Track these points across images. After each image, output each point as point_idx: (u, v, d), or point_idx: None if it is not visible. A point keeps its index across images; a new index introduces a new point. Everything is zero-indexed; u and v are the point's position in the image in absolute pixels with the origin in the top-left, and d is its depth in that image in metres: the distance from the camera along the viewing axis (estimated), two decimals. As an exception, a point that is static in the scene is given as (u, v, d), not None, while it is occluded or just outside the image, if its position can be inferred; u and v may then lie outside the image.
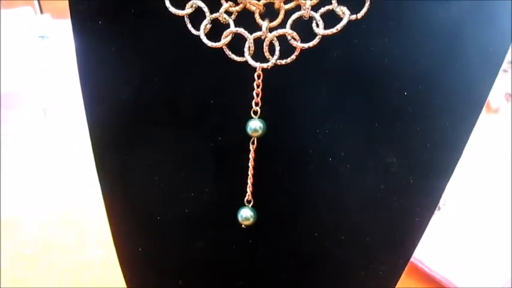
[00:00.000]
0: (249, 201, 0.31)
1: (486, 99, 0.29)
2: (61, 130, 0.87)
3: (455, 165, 0.29)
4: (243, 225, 0.31)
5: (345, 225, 0.31)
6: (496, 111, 1.05)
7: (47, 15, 1.25)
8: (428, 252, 0.56)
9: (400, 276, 0.32)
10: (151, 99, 0.31)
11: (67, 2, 0.32)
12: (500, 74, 0.29)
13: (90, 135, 0.33)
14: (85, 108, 0.33)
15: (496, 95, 1.01)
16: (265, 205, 0.31)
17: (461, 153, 0.29)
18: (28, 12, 0.90)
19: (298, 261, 0.33)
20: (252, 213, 0.31)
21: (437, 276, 0.55)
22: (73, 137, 0.83)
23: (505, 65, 1.07)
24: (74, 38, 0.32)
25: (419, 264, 0.56)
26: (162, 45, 0.31)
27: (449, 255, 0.57)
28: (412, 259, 0.32)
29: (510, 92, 1.09)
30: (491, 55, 0.28)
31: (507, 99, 1.12)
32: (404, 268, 0.32)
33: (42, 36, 1.13)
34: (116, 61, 0.32)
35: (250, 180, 0.31)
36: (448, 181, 0.30)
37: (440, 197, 0.30)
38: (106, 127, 0.33)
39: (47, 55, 1.04)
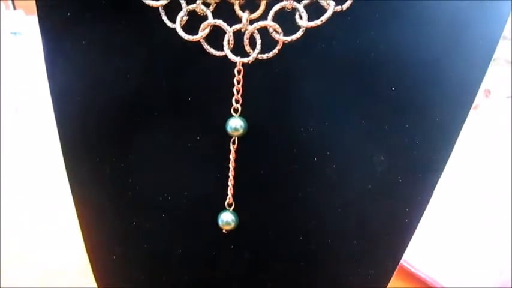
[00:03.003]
0: (230, 205, 0.30)
1: (476, 94, 0.28)
2: (33, 128, 0.84)
3: (445, 163, 0.28)
4: (224, 230, 0.30)
5: (332, 227, 0.30)
6: (476, 108, 1.06)
7: (20, 11, 1.22)
8: (413, 251, 0.56)
9: (390, 279, 0.31)
10: (124, 97, 0.30)
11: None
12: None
13: (59, 135, 0.31)
14: (53, 107, 0.31)
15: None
16: (248, 208, 0.30)
17: (451, 150, 0.28)
18: (0, 8, 0.87)
19: (283, 266, 0.31)
20: (233, 217, 0.29)
21: (422, 275, 0.54)
22: (45, 135, 0.80)
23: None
24: (41, 31, 0.30)
25: (404, 264, 0.55)
26: (135, 39, 0.29)
27: (434, 254, 0.57)
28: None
29: (489, 88, 1.10)
30: (481, 49, 0.27)
31: (486, 96, 1.13)
32: (394, 271, 0.31)
33: (15, 33, 1.10)
34: (86, 56, 0.30)
35: (231, 182, 0.29)
36: (438, 180, 0.29)
37: (430, 196, 0.29)
38: (75, 127, 0.31)
39: (19, 52, 1.01)
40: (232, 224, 0.29)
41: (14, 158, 0.77)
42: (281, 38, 0.27)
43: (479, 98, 1.10)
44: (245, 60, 0.27)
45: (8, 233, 0.60)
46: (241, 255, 0.31)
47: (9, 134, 0.83)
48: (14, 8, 1.38)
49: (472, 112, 0.28)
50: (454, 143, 0.28)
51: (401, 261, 0.55)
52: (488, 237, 0.59)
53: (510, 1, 0.28)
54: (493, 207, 0.65)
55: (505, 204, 0.66)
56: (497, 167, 0.77)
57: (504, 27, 0.27)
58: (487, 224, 0.62)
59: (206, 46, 0.27)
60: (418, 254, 0.56)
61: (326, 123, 0.28)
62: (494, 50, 0.27)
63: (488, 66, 0.27)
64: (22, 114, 0.90)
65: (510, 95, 1.12)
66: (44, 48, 0.30)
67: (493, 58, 0.28)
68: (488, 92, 1.10)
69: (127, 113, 0.30)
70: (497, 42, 0.27)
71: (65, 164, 0.32)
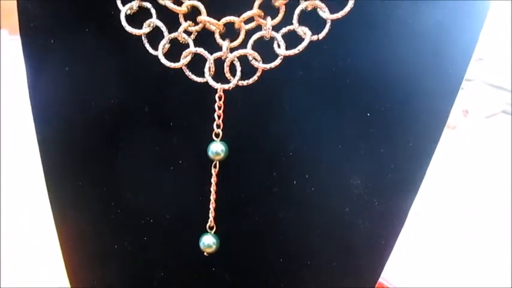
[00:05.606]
0: (211, 228, 0.30)
1: (448, 117, 0.29)
2: (15, 149, 0.83)
3: (419, 185, 0.29)
4: (205, 253, 0.30)
5: (311, 249, 0.30)
6: (454, 127, 1.09)
7: (4, 31, 1.21)
8: (391, 269, 0.57)
9: (367, 299, 0.31)
10: (108, 122, 0.30)
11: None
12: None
13: (41, 157, 0.32)
14: (35, 129, 0.31)
15: (453, 112, 1.04)
16: (229, 231, 0.30)
17: (425, 172, 0.29)
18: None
19: (264, 288, 0.32)
20: (214, 240, 0.30)
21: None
22: (27, 155, 0.79)
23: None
24: (24, 57, 0.31)
25: (383, 281, 0.56)
26: (119, 66, 0.30)
27: (411, 272, 0.58)
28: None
29: (467, 108, 1.13)
30: (451, 74, 0.28)
31: (464, 116, 1.16)
32: (372, 291, 0.31)
33: (-1, 53, 1.09)
34: (70, 82, 0.30)
35: (212, 206, 0.30)
36: (412, 201, 0.29)
37: (405, 218, 0.30)
38: (57, 149, 0.31)
39: (4, 71, 1.01)
40: (214, 247, 0.30)
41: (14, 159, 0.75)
42: (260, 65, 0.28)
43: (458, 118, 1.13)
44: (226, 86, 0.28)
45: (7, 234, 0.59)
46: (222, 278, 0.31)
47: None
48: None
49: (450, 132, 0.29)
50: (428, 165, 0.29)
51: (380, 279, 0.55)
52: (466, 256, 0.60)
53: (482, 20, 0.29)
54: (474, 226, 0.67)
55: (485, 223, 0.67)
56: (475, 185, 0.78)
57: (474, 49, 0.29)
58: (466, 243, 0.63)
59: (188, 73, 0.28)
60: (396, 271, 0.56)
61: (305, 148, 0.29)
62: (463, 75, 0.28)
63: (458, 90, 0.29)
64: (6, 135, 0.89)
65: (488, 115, 1.16)
66: (26, 70, 0.31)
67: (471, 79, 0.29)
68: (466, 112, 1.13)
69: (109, 137, 0.30)
70: (466, 66, 0.28)
71: (47, 187, 0.32)
